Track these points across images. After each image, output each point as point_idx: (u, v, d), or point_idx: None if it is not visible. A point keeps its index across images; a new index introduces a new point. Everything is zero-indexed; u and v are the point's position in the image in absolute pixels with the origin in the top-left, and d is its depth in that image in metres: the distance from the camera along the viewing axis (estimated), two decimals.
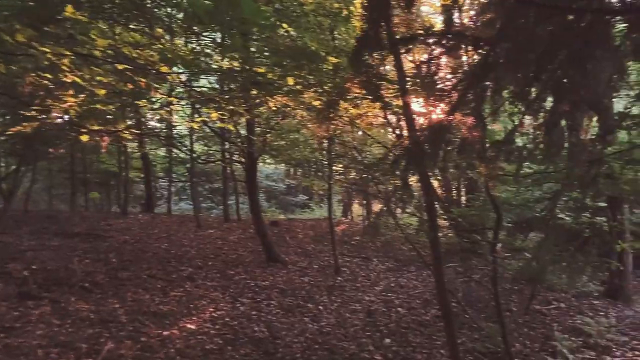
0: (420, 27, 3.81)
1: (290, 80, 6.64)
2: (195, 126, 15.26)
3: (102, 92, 6.39)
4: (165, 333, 7.93)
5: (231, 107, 7.43)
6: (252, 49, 7.74)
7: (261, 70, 5.94)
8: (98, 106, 7.59)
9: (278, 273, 12.91)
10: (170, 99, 10.20)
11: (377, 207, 18.75)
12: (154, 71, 5.81)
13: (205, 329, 8.38)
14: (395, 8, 3.36)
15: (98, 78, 6.11)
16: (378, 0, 3.14)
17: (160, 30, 6.32)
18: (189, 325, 8.46)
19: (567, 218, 11.12)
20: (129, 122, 15.79)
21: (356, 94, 7.34)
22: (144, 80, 6.18)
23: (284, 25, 8.92)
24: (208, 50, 7.43)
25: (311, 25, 8.69)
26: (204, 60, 6.76)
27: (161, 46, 5.86)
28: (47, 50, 5.49)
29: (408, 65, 6.77)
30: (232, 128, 10.56)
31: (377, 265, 14.90)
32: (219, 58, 7.14)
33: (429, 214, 5.41)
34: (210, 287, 11.16)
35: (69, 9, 5.39)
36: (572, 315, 10.20)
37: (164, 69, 5.96)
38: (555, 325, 9.38)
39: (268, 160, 21.52)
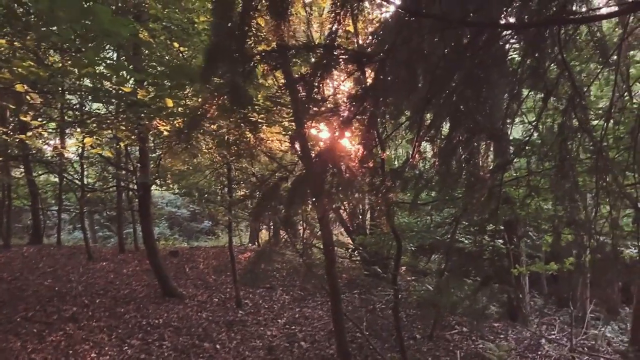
0: (298, 40, 3.46)
1: (169, 102, 5.99)
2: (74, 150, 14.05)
3: None
4: None
5: (109, 131, 6.67)
6: (126, 67, 7.05)
7: (126, 89, 5.27)
8: None
9: (174, 309, 11.98)
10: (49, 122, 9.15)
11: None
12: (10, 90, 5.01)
13: None
14: (263, 16, 2.92)
15: None
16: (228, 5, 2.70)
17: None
18: None
19: (466, 242, 11.32)
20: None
21: (256, 119, 6.88)
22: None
23: (175, 44, 8.32)
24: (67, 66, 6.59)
25: (204, 44, 8.15)
26: (61, 78, 5.98)
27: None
28: None
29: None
30: (110, 154, 9.66)
31: (281, 295, 14.32)
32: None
33: (325, 248, 4.99)
34: (95, 328, 10.07)
35: None
36: (474, 340, 10.20)
37: (20, 87, 5.15)
38: (459, 352, 9.29)
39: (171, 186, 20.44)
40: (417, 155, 3.29)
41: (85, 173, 20.14)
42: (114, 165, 14.83)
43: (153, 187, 21.70)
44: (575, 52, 3.32)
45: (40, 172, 21.24)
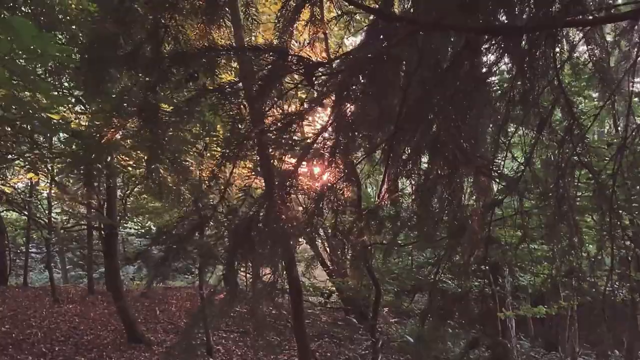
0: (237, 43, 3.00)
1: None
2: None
3: None
4: None
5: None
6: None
7: (54, 117, 4.70)
8: None
9: (139, 357, 11.17)
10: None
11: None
12: None
13: None
14: (186, 13, 2.42)
15: None
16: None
17: None
18: None
19: (450, 283, 10.83)
20: None
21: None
22: None
23: None
24: None
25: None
26: None
27: None
28: None
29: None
30: (59, 191, 9.06)
31: (255, 340, 13.55)
32: None
33: (291, 295, 4.43)
34: None
35: None
36: None
37: None
38: None
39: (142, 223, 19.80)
40: (386, 193, 2.79)
41: (58, 210, 19.43)
42: (80, 202, 14.18)
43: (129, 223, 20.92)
44: (571, 74, 2.90)
45: (5, 209, 20.42)
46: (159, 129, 2.57)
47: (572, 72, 2.80)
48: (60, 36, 6.84)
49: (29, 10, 6.85)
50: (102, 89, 2.82)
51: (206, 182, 8.12)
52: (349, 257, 15.44)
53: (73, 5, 7.02)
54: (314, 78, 2.32)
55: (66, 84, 6.91)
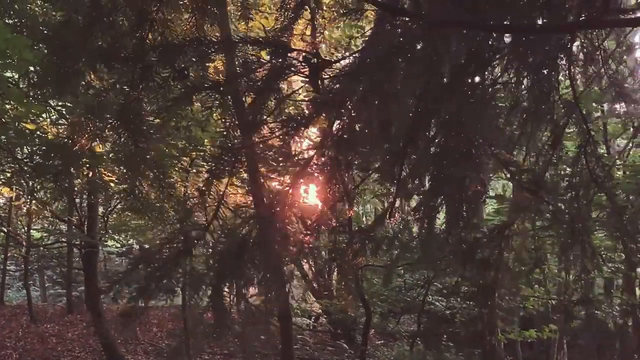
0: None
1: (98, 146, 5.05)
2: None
3: None
4: None
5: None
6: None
7: (30, 127, 4.43)
8: None
9: None
10: None
11: None
12: None
13: None
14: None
15: None
16: None
17: None
18: None
19: (438, 304, 10.66)
20: None
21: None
22: None
23: None
24: None
25: None
26: None
27: None
28: None
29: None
30: (37, 207, 8.77)
31: None
32: None
33: (281, 327, 4.19)
34: None
35: None
36: None
37: None
38: None
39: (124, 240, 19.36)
40: (396, 215, 2.57)
41: (38, 227, 19.03)
42: (59, 219, 13.86)
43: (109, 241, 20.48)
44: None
45: None
46: (142, 136, 2.32)
47: (585, 85, 2.64)
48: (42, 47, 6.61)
49: (12, 22, 6.61)
50: (68, 88, 2.51)
51: (192, 199, 7.90)
52: (336, 278, 15.19)
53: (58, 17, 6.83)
54: (319, 81, 2.11)
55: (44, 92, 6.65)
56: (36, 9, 6.79)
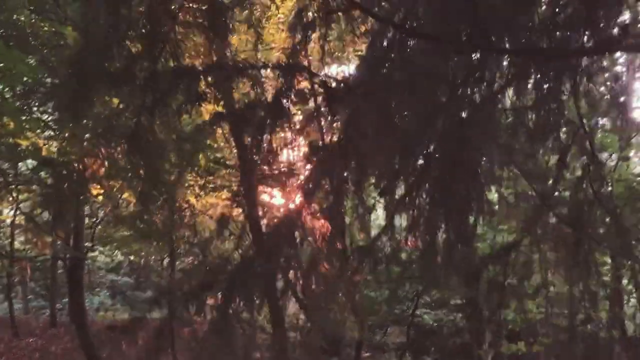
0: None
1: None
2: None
3: None
4: None
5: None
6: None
7: (22, 142, 4.33)
8: None
9: None
10: None
11: None
12: None
13: None
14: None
15: None
16: None
17: None
18: None
19: (427, 317, 10.66)
20: None
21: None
22: None
23: None
24: None
25: None
26: None
27: None
28: None
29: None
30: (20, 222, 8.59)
31: None
32: None
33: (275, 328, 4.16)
34: None
35: None
36: None
37: None
38: None
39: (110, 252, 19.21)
40: (413, 236, 2.52)
41: (22, 239, 18.74)
42: (44, 231, 13.67)
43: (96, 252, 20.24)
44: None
45: None
46: (155, 160, 2.25)
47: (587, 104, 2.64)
48: (31, 59, 6.51)
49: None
50: (86, 112, 2.42)
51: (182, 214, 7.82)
52: (328, 291, 15.08)
53: (46, 28, 6.73)
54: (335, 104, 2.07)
55: (35, 108, 6.51)
56: (22, 18, 6.71)
